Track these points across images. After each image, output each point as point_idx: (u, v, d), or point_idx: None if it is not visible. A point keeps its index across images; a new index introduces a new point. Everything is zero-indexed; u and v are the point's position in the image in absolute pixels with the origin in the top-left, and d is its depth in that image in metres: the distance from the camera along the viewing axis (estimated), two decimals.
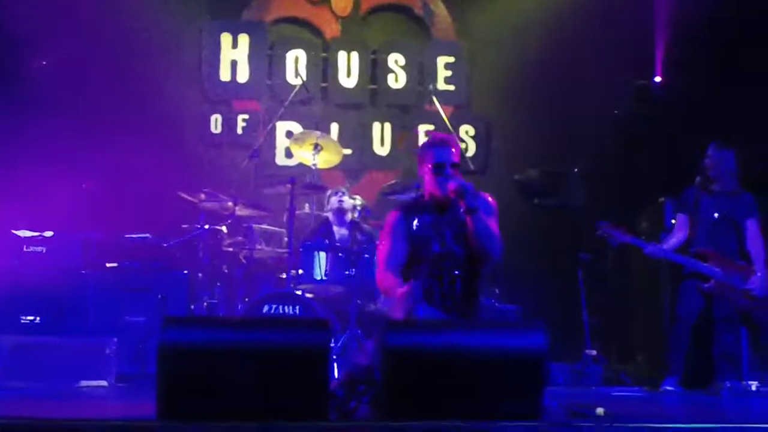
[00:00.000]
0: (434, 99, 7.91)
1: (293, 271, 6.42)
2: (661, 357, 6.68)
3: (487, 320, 4.23)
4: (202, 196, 6.66)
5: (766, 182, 6.89)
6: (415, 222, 4.58)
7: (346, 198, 7.05)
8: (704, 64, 7.86)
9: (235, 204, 6.60)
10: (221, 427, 3.28)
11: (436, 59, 9.08)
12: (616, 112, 8.43)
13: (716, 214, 6.49)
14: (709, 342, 6.52)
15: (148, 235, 6.97)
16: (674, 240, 6.54)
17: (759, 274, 6.33)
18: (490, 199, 4.65)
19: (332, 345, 6.04)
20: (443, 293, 4.51)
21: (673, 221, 6.78)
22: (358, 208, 7.16)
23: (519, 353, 3.71)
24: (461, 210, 4.45)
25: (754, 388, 6.36)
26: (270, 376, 3.49)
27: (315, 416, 3.51)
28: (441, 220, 4.58)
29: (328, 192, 7.08)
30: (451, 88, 9.00)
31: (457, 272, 4.55)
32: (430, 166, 4.58)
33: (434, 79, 8.92)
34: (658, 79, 8.31)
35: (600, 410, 3.99)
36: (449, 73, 9.02)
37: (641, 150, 8.01)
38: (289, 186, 6.57)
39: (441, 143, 4.64)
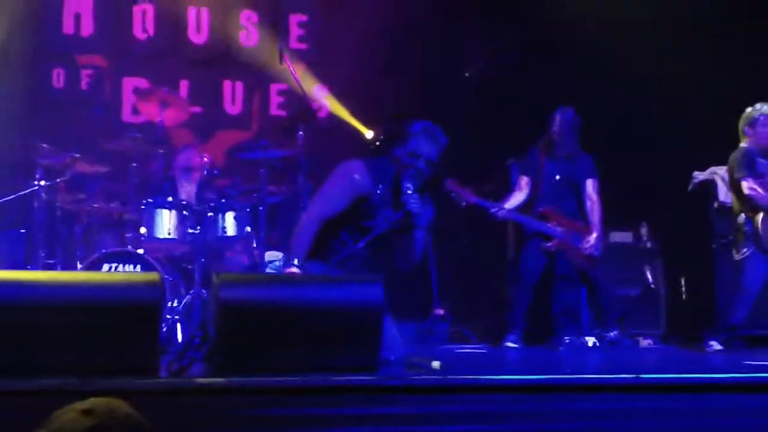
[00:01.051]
0: (286, 57, 7.77)
1: (138, 230, 6.23)
2: (505, 314, 6.83)
3: (323, 275, 4.19)
4: (40, 150, 6.35)
5: (608, 144, 7.10)
6: (379, 190, 4.44)
7: (194, 157, 6.88)
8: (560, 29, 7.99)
9: (75, 159, 6.34)
10: (38, 384, 3.13)
11: (288, 17, 8.94)
12: (466, 74, 8.52)
13: (558, 176, 6.67)
14: (550, 299, 6.72)
15: None
16: (516, 200, 6.67)
17: (594, 234, 6.56)
18: (431, 212, 4.65)
19: (175, 305, 5.93)
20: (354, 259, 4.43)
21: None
22: (206, 167, 7.01)
23: (356, 307, 3.71)
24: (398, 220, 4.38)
25: (591, 344, 6.61)
26: (95, 334, 3.37)
27: (145, 373, 3.41)
28: (394, 202, 4.48)
29: (177, 150, 6.89)
30: (304, 46, 8.89)
31: (376, 250, 4.48)
32: (407, 151, 4.44)
33: (287, 38, 8.78)
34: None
35: (436, 363, 4.04)
36: (302, 31, 8.91)
37: (490, 112, 8.12)
38: (132, 141, 6.35)
39: (427, 134, 4.49)
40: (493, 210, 6.50)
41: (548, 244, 6.52)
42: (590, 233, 6.55)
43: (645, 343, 6.95)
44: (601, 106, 7.37)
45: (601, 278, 6.68)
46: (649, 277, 7.67)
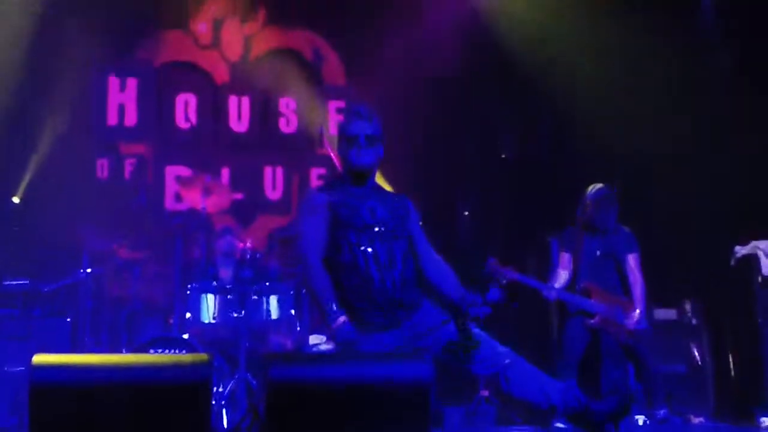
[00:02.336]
0: (324, 141, 7.91)
1: (182, 315, 6.28)
2: None
3: (372, 352, 4.17)
4: (85, 239, 6.48)
5: (643, 220, 7.06)
6: (338, 195, 4.22)
7: (235, 241, 6.97)
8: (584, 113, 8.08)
9: (120, 246, 6.45)
10: None
11: (327, 103, 9.15)
12: (503, 156, 8.61)
13: (598, 252, 6.62)
14: (597, 378, 6.63)
15: (26, 281, 6.71)
16: (562, 279, 6.64)
17: (637, 309, 6.48)
18: (410, 204, 4.39)
19: (220, 389, 5.93)
20: (380, 264, 4.14)
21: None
22: (248, 251, 7.08)
23: (405, 386, 3.68)
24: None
25: (641, 422, 6.48)
26: (147, 415, 3.38)
27: None
28: (366, 193, 4.26)
29: (216, 234, 6.98)
30: None
31: (393, 245, 4.19)
32: (343, 138, 4.26)
33: (326, 123, 8.95)
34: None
35: None
36: (341, 117, 9.06)
37: (528, 191, 8.17)
38: (174, 227, 6.44)
39: (354, 115, 4.32)
40: (546, 292, 6.46)
41: (591, 321, 6.46)
42: (634, 309, 6.48)
43: (696, 420, 6.81)
44: (640, 181, 7.38)
45: (647, 355, 6.58)
46: (696, 354, 7.55)
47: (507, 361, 4.24)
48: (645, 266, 6.66)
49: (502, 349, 4.31)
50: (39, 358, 3.56)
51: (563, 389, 4.21)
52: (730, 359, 7.72)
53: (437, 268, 4.40)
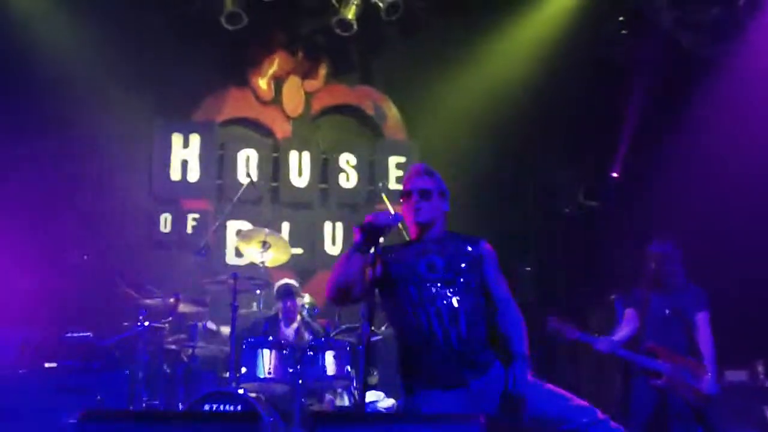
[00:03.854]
0: (384, 196, 7.85)
1: (238, 370, 6.23)
2: None
3: (421, 414, 4.05)
4: (144, 293, 6.51)
5: (711, 276, 6.84)
6: (394, 253, 4.17)
7: (298, 299, 6.95)
8: (656, 165, 7.94)
9: (177, 300, 6.46)
10: None
11: (387, 159, 9.14)
12: (567, 210, 8.47)
13: (667, 311, 6.40)
14: None
15: (89, 333, 6.76)
16: (622, 334, 6.42)
17: (709, 373, 6.21)
18: (489, 246, 4.34)
19: None
20: (442, 320, 4.03)
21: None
22: (307, 306, 7.06)
23: None
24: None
25: None
26: None
27: None
28: (427, 248, 4.17)
29: (276, 292, 6.96)
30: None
31: (456, 299, 4.06)
32: (402, 198, 4.27)
33: (386, 179, 8.93)
34: (615, 175, 8.38)
35: None
36: (400, 172, 9.02)
37: (592, 247, 8.02)
38: (231, 281, 6.43)
39: (410, 173, 4.34)
40: (598, 345, 6.27)
41: (658, 382, 6.22)
42: (704, 371, 6.22)
43: None
44: (710, 237, 7.18)
45: (718, 420, 6.30)
46: None
47: (599, 416, 4.08)
48: (713, 324, 6.42)
49: (579, 402, 4.15)
50: (87, 413, 3.55)
51: None
52: None
53: (506, 320, 4.24)
